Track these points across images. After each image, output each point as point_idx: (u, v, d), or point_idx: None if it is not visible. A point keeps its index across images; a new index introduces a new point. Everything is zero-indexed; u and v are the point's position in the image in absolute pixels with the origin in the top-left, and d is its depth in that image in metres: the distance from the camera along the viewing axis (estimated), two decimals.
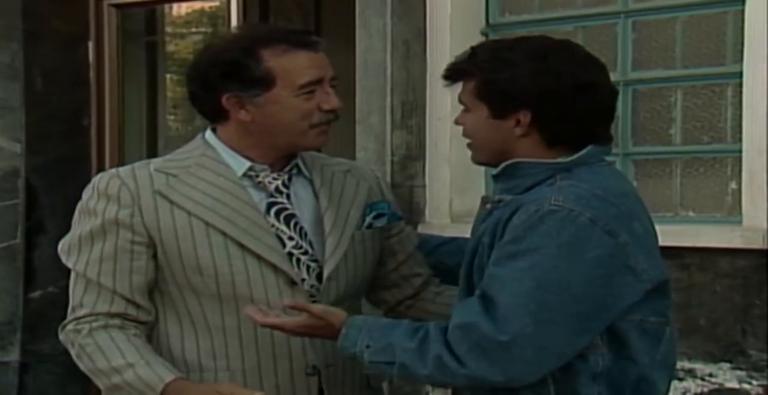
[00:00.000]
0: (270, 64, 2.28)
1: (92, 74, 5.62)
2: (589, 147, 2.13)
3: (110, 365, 2.27)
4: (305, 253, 2.34)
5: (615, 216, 2.04)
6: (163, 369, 2.24)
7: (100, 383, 2.31)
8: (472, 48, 2.20)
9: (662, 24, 4.04)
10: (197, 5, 6.39)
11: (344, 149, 4.48)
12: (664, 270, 2.11)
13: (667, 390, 2.19)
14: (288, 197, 2.37)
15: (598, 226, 2.01)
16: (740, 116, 3.76)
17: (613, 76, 2.24)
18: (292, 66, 2.29)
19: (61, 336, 2.41)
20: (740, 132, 3.75)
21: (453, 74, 2.20)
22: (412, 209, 4.35)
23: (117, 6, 5.65)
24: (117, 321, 2.32)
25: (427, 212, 4.34)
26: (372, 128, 4.43)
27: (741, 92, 3.75)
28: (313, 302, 2.32)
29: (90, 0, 5.63)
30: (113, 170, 2.39)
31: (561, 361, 2.03)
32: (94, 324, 2.33)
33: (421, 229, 4.07)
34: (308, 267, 2.34)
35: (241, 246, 2.30)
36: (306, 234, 2.36)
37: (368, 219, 2.42)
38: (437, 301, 2.50)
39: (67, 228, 2.52)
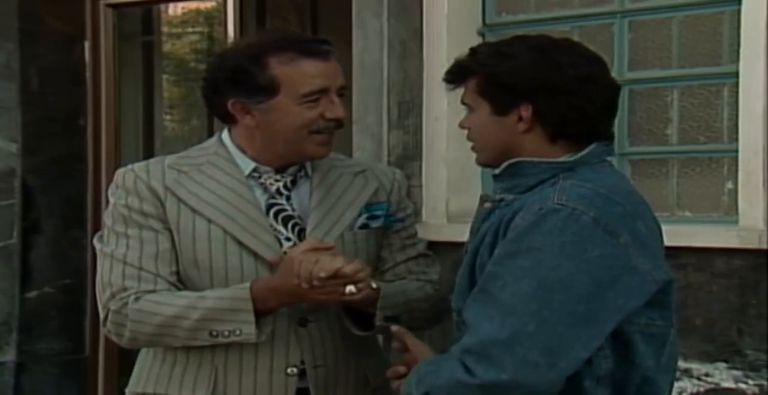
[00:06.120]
0: (275, 72, 2.31)
1: (88, 74, 5.61)
2: (593, 145, 2.12)
3: (182, 305, 2.28)
4: None
5: (618, 216, 2.02)
6: (232, 285, 2.28)
7: (180, 330, 2.30)
8: (472, 48, 2.20)
9: (658, 24, 4.04)
10: (193, 5, 6.38)
11: (341, 149, 4.47)
12: (668, 271, 2.08)
13: (670, 393, 2.17)
14: (288, 198, 2.39)
15: (600, 226, 1.98)
16: (737, 115, 3.76)
17: None
18: (298, 75, 2.31)
19: (108, 327, 2.38)
20: (737, 132, 3.76)
21: (455, 73, 2.18)
22: None
23: (113, 6, 5.64)
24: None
25: (423, 212, 4.33)
26: (368, 128, 4.43)
27: (737, 92, 3.75)
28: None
29: (86, 0, 5.63)
30: (129, 166, 2.45)
31: (575, 364, 1.97)
32: (139, 294, 2.33)
33: (418, 229, 4.06)
34: None
35: (239, 243, 2.33)
36: (305, 236, 2.37)
37: (361, 220, 2.42)
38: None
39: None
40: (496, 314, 1.95)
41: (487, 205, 2.18)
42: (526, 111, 2.09)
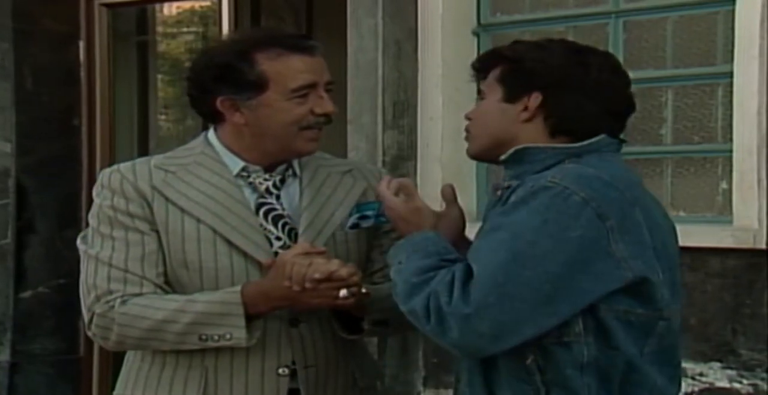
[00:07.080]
0: (263, 68, 2.30)
1: (83, 74, 5.61)
2: (602, 135, 2.13)
3: (171, 309, 2.26)
4: None
5: (613, 200, 2.01)
6: (221, 290, 2.26)
7: (169, 334, 2.27)
8: (515, 40, 2.25)
9: (653, 24, 4.05)
10: (188, 5, 6.38)
11: (335, 148, 4.47)
12: (651, 267, 2.05)
13: (677, 391, 2.15)
14: (278, 197, 2.38)
15: (590, 207, 1.98)
16: (731, 115, 3.77)
17: None
18: (286, 70, 2.30)
19: (93, 330, 2.35)
20: (731, 132, 3.76)
21: (486, 60, 2.21)
22: None
23: (108, 5, 5.64)
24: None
25: None
26: (363, 128, 4.43)
27: (731, 92, 3.76)
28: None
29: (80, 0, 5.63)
30: (115, 166, 2.43)
31: (518, 340, 1.98)
32: (126, 297, 2.30)
33: None
34: None
35: (229, 243, 2.31)
36: (296, 235, 2.36)
37: (352, 219, 2.40)
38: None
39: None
40: (467, 287, 1.97)
41: (498, 193, 2.18)
42: (534, 100, 2.10)
